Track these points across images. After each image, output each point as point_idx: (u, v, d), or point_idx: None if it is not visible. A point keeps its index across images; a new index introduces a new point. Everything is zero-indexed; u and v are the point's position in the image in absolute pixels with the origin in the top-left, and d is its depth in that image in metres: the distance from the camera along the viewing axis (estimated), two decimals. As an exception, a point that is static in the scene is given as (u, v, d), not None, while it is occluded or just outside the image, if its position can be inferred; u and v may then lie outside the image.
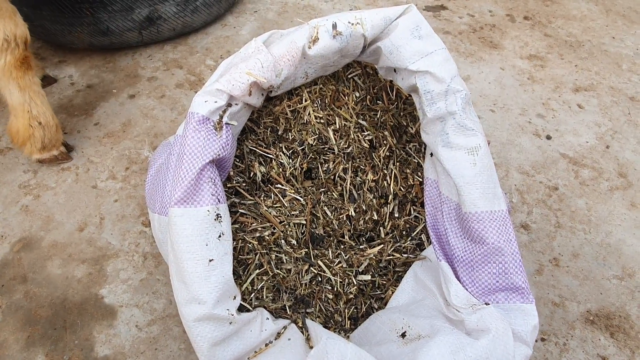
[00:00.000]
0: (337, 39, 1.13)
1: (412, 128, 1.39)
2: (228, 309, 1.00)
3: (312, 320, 1.20)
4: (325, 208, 1.27)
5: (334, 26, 1.13)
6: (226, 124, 1.09)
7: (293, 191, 1.25)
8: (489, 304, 0.99)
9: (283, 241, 1.21)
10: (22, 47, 1.63)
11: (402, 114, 1.39)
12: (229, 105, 1.10)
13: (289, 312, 1.19)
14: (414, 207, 1.35)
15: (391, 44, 1.15)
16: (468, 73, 2.39)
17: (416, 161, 1.37)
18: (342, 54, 1.20)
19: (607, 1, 2.89)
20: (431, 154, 1.26)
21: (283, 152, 1.28)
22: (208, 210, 1.04)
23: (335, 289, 1.25)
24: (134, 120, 2.12)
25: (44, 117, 1.78)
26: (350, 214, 1.29)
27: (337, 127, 1.31)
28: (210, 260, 1.01)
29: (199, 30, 2.58)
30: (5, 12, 1.56)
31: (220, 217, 1.06)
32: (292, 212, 1.23)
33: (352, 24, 1.13)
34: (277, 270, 1.19)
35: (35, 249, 1.65)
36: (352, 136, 1.32)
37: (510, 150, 2.03)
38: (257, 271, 1.17)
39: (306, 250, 1.24)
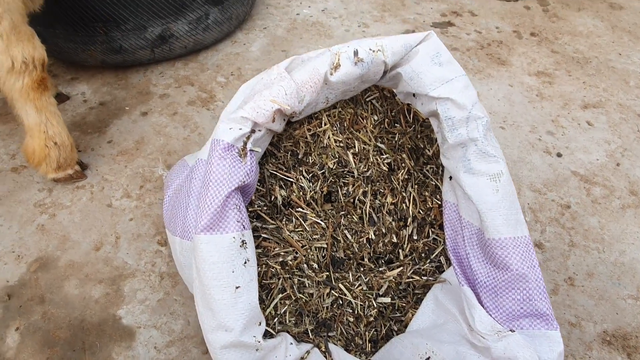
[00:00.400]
0: (358, 65, 1.15)
1: (429, 150, 1.40)
2: (254, 336, 1.01)
3: (334, 343, 1.21)
4: (346, 231, 1.28)
5: (356, 53, 1.15)
6: (250, 150, 1.10)
7: (314, 215, 1.26)
8: (514, 331, 1.00)
9: (305, 265, 1.22)
10: (40, 69, 1.65)
11: (419, 136, 1.41)
12: (252, 131, 1.11)
13: (311, 336, 1.19)
14: (433, 230, 1.35)
15: (412, 71, 1.16)
16: (477, 90, 2.40)
17: (434, 183, 1.38)
18: (362, 80, 1.22)
19: (613, 17, 2.92)
20: (450, 178, 1.28)
21: (303, 176, 1.29)
22: (234, 237, 1.05)
23: (355, 311, 1.25)
24: (147, 138, 2.13)
25: (59, 137, 1.79)
26: (370, 237, 1.30)
27: (357, 150, 1.32)
28: (237, 287, 1.01)
29: (209, 47, 2.60)
30: (24, 35, 1.57)
31: (246, 243, 1.06)
32: (314, 237, 1.24)
33: (373, 51, 1.15)
34: (300, 295, 1.20)
35: (52, 268, 1.65)
36: (371, 159, 1.33)
37: (521, 167, 2.04)
38: (280, 295, 1.18)
39: (327, 273, 1.24)
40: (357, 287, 1.26)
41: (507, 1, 3.02)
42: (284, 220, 1.26)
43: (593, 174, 2.03)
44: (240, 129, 1.09)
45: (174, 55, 2.44)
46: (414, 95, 1.25)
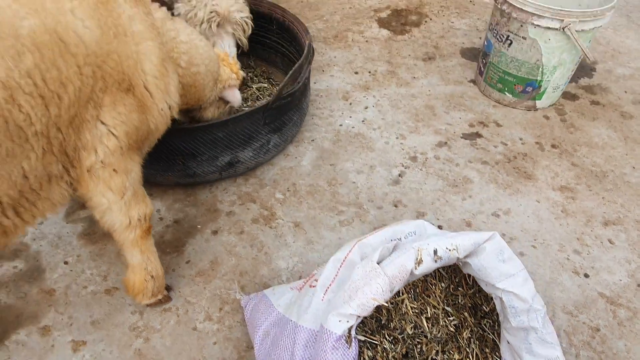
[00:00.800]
0: (437, 262, 1.43)
1: (486, 307, 1.67)
2: None
3: None
4: (423, 388, 1.54)
5: (435, 252, 1.44)
6: (354, 337, 1.38)
7: (397, 375, 1.52)
8: None
9: (393, 423, 1.47)
10: (148, 221, 1.94)
11: (477, 295, 1.68)
12: (355, 320, 1.39)
13: None
14: (492, 381, 1.61)
15: (480, 264, 1.45)
16: (508, 206, 2.69)
17: (491, 338, 1.64)
18: (438, 268, 1.50)
19: (625, 127, 3.24)
20: (507, 342, 1.54)
21: (386, 339, 1.56)
22: (345, 414, 1.30)
23: None
24: (220, 258, 2.41)
25: (155, 270, 2.07)
26: (442, 391, 1.55)
27: (429, 315, 1.59)
28: None
29: (265, 162, 2.91)
30: (140, 196, 1.88)
31: (353, 417, 1.32)
32: (399, 396, 1.50)
33: (449, 250, 1.44)
34: None
35: (154, 396, 1.90)
36: (441, 323, 1.60)
37: (554, 289, 2.30)
38: None
39: None
40: None
41: (527, 110, 3.35)
42: (373, 381, 1.52)
43: (617, 295, 2.29)
44: (347, 321, 1.36)
45: (237, 174, 2.75)
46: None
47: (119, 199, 1.75)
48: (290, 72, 2.46)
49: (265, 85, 3.35)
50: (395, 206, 2.69)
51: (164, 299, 2.18)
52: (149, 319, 2.16)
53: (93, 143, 1.58)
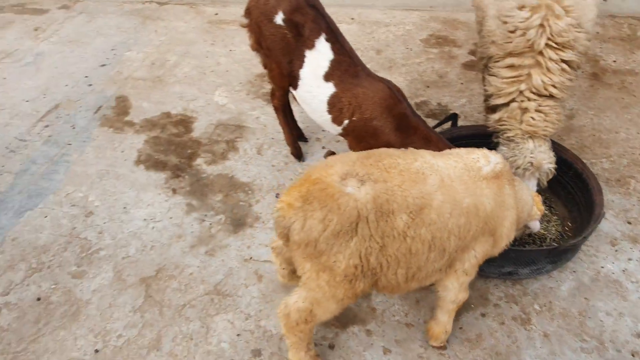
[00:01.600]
0: None
1: None
2: None
3: None
4: None
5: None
6: None
7: None
8: None
9: None
10: (461, 300, 3.07)
11: None
12: None
13: None
14: None
15: None
16: None
17: None
18: None
19: None
20: None
21: None
22: None
23: None
24: (483, 335, 3.43)
25: (449, 328, 3.21)
26: None
27: None
28: None
29: (531, 274, 3.80)
30: (466, 287, 3.01)
31: None
32: None
33: None
34: None
35: (429, 407, 3.04)
36: None
37: None
38: None
39: None
40: None
41: None
42: None
43: None
44: None
45: (508, 279, 3.72)
46: None
47: (458, 287, 2.93)
48: (583, 236, 3.31)
49: (546, 212, 4.21)
50: (633, 356, 3.29)
51: (443, 347, 3.32)
52: (429, 355, 3.32)
53: (465, 259, 2.77)
